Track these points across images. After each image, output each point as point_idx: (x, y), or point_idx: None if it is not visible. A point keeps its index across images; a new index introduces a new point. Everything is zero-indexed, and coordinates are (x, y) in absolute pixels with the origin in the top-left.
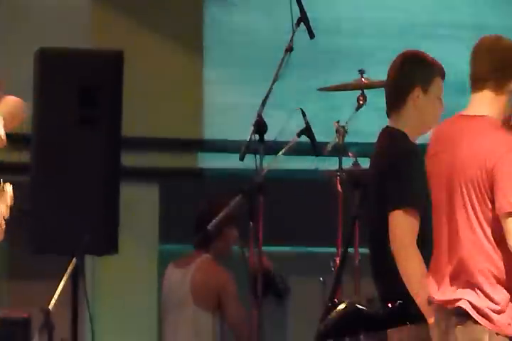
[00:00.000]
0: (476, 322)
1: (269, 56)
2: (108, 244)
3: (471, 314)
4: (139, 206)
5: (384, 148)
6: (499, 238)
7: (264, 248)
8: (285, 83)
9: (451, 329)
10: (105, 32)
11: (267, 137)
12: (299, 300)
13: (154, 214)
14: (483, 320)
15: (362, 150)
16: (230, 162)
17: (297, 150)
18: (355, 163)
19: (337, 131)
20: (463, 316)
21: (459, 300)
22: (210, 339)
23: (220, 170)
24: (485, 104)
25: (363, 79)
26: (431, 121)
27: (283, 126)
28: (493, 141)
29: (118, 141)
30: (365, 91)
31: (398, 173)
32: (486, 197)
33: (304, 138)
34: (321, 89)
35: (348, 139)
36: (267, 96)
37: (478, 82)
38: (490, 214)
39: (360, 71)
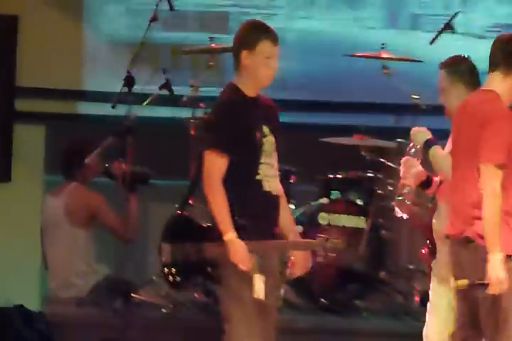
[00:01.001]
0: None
1: (141, 22)
2: (2, 173)
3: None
4: (29, 143)
5: (217, 99)
6: None
7: None
8: (154, 45)
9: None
10: None
11: (135, 90)
12: (157, 224)
13: (41, 151)
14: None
15: (212, 102)
16: (105, 109)
17: (159, 100)
18: (206, 113)
19: (192, 86)
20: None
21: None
22: (85, 252)
23: (96, 116)
24: (495, 82)
25: (212, 45)
26: (261, 79)
27: (148, 81)
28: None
29: (12, 89)
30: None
31: (214, 119)
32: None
33: (165, 92)
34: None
35: (200, 93)
36: (135, 56)
37: (492, 65)
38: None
39: (210, 38)
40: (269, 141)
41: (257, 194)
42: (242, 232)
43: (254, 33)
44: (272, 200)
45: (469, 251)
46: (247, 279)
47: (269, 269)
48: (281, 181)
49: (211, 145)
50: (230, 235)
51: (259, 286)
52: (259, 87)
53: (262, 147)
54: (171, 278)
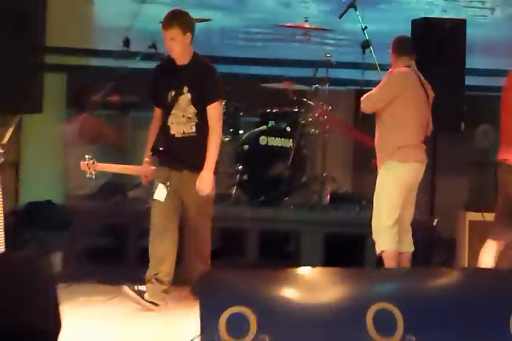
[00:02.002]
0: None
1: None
2: (37, 107)
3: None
4: (55, 86)
5: None
6: None
7: None
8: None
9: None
10: None
11: (130, 49)
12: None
13: (63, 92)
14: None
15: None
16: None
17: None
18: None
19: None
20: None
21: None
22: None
23: (103, 67)
24: None
25: None
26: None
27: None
28: None
29: (44, 47)
30: None
31: None
32: None
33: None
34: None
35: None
36: (130, 25)
37: None
38: None
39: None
40: (184, 98)
41: (165, 136)
42: (155, 159)
43: None
44: (174, 141)
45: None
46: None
47: (170, 182)
48: (233, 115)
49: None
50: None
51: (158, 192)
52: (175, 58)
53: (176, 102)
54: None
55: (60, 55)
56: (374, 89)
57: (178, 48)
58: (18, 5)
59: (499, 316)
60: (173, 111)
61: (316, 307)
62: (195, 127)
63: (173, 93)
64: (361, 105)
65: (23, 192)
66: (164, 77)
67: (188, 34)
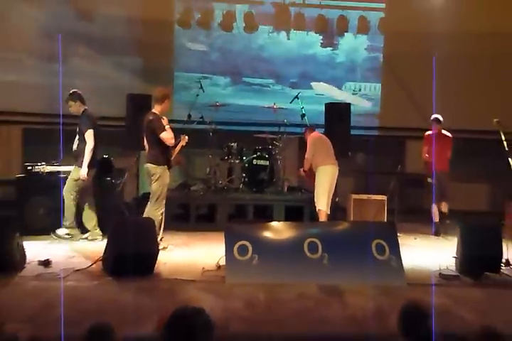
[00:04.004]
0: None
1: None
2: (144, 146)
3: None
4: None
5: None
6: None
7: None
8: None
9: None
10: None
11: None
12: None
13: None
14: None
15: None
16: None
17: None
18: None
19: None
20: None
21: None
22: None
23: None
24: None
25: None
26: None
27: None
28: None
29: None
30: None
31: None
32: None
33: None
34: None
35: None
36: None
37: None
38: None
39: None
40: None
41: None
42: None
43: None
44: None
45: None
46: None
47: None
48: (240, 150)
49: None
50: None
51: None
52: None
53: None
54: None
55: None
56: (307, 153)
57: (73, 111)
58: None
59: (367, 244)
60: None
61: (281, 241)
62: None
63: None
64: (305, 165)
65: (140, 187)
66: None
67: (78, 102)
